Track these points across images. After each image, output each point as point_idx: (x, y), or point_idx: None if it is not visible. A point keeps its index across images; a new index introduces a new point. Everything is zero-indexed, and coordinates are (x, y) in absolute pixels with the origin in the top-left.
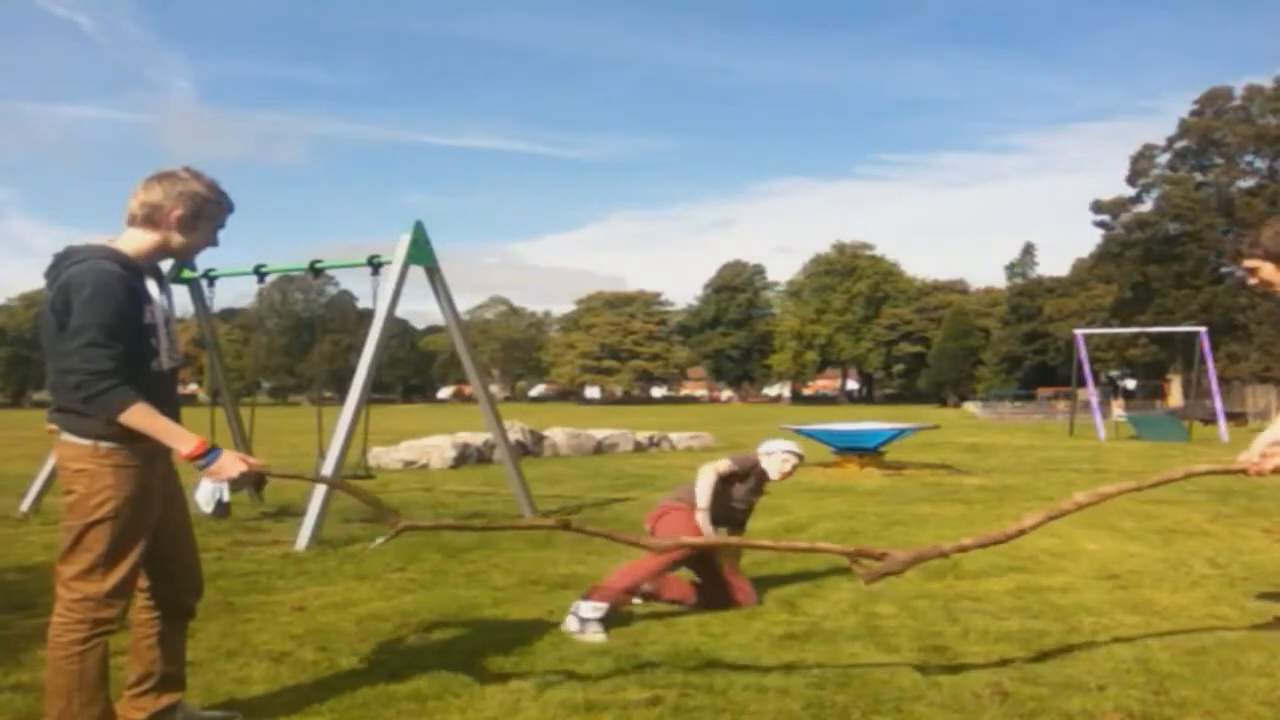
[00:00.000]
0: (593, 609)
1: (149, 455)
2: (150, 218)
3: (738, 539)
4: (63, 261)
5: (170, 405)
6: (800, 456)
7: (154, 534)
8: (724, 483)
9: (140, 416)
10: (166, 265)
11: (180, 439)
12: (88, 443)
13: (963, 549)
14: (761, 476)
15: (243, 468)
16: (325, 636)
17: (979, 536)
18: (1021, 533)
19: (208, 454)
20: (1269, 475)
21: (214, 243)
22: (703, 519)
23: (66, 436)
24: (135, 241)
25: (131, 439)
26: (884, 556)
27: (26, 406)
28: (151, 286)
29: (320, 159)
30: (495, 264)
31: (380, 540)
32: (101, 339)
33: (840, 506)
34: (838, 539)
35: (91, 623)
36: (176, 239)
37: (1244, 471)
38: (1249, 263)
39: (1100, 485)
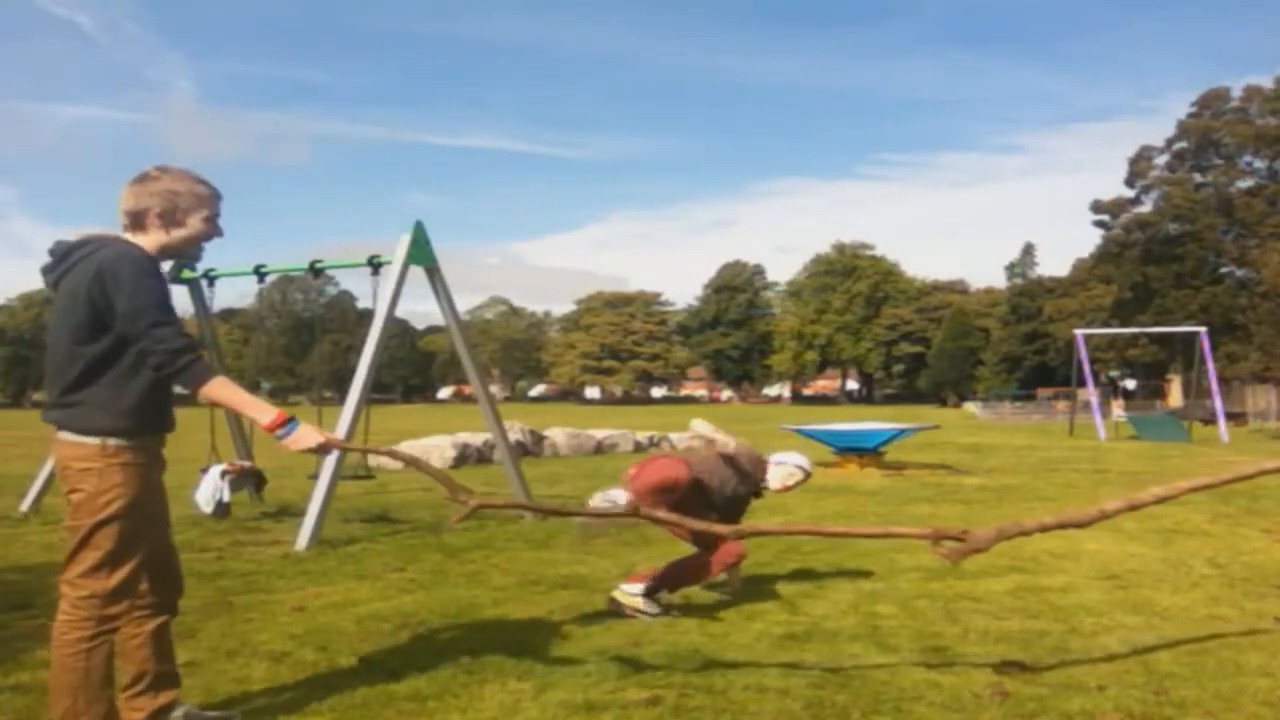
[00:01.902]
0: (637, 587)
1: (154, 452)
2: (136, 223)
3: (810, 526)
4: (74, 251)
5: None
6: (808, 474)
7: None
8: (722, 462)
9: (221, 388)
10: (165, 269)
11: (261, 410)
12: (94, 441)
13: (1044, 528)
14: (758, 480)
15: (319, 439)
16: (325, 636)
17: (1059, 515)
18: (1104, 515)
19: (287, 424)
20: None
21: (213, 234)
22: (731, 445)
23: (69, 435)
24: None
25: (139, 435)
26: (965, 535)
27: (26, 406)
28: None
29: (321, 159)
30: (496, 264)
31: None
32: (164, 316)
33: (840, 507)
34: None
35: (97, 620)
36: (165, 237)
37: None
38: None
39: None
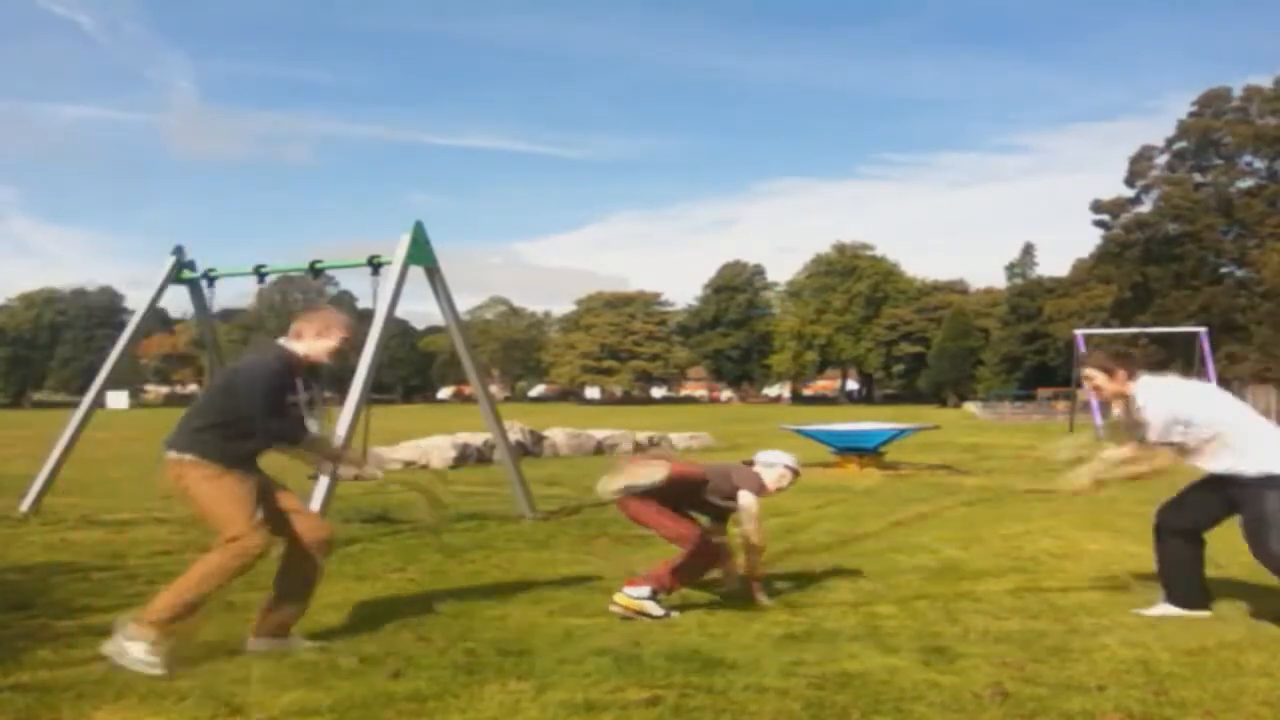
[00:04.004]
0: (642, 590)
1: None
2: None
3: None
4: None
5: None
6: (797, 473)
7: None
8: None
9: None
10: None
11: None
12: None
13: None
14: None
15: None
16: (325, 636)
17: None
18: None
19: None
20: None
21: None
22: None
23: None
24: None
25: None
26: None
27: (26, 406)
28: None
29: (322, 159)
30: (498, 264)
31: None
32: None
33: (840, 507)
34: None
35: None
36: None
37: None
38: (1086, 372)
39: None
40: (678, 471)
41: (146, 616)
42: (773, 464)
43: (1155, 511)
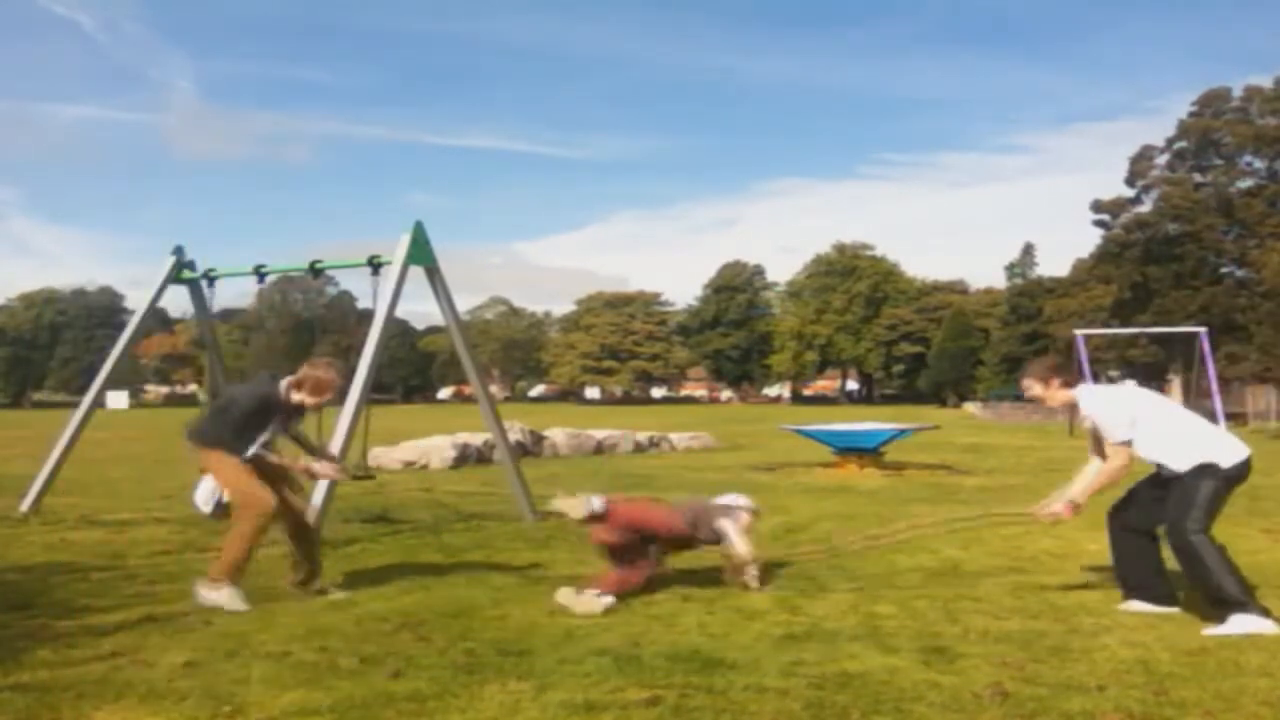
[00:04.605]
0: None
1: None
2: None
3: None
4: None
5: None
6: (755, 513)
7: None
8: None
9: None
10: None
11: None
12: None
13: None
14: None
15: None
16: (325, 636)
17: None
18: None
19: None
20: (1050, 521)
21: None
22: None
23: None
24: None
25: None
26: None
27: (26, 406)
28: None
29: (322, 159)
30: (498, 264)
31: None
32: None
33: (840, 507)
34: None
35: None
36: None
37: (1031, 515)
38: (1024, 382)
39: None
40: (638, 518)
41: (211, 575)
42: (733, 505)
43: (1107, 512)
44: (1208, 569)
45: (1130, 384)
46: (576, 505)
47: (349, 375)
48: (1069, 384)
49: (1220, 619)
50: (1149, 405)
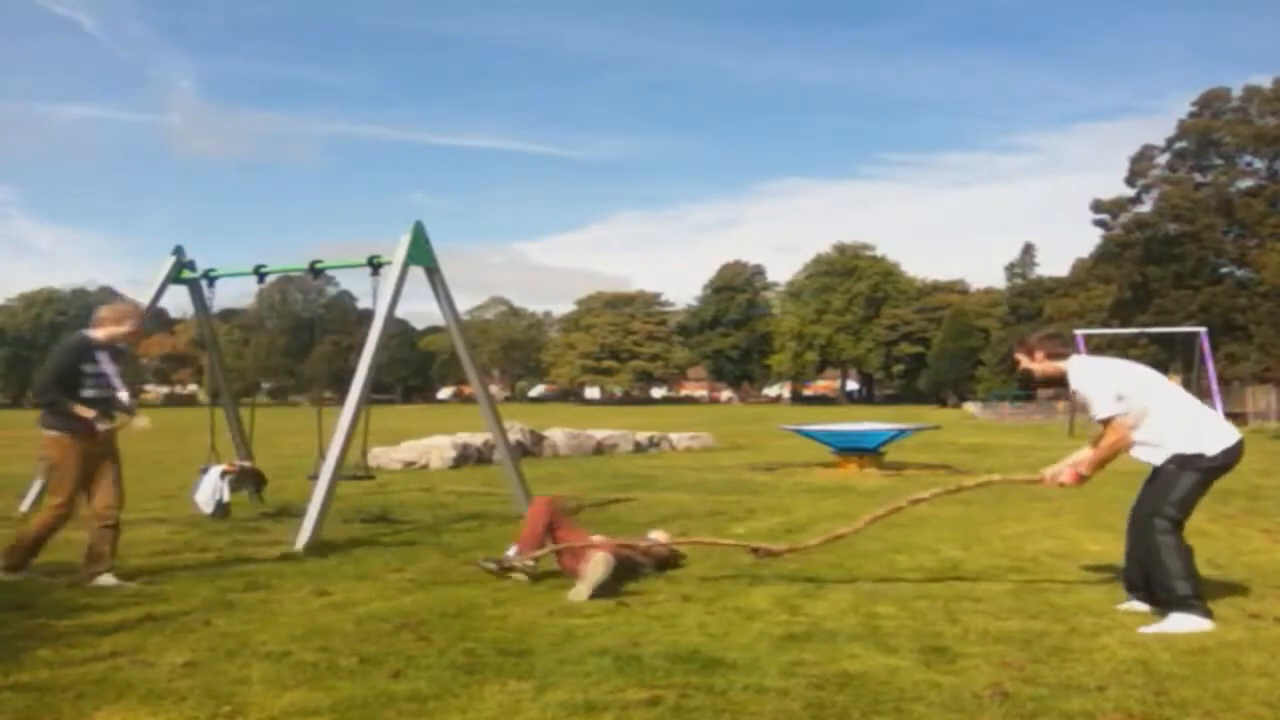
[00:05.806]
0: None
1: None
2: None
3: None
4: None
5: None
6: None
7: None
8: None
9: None
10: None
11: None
12: None
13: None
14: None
15: None
16: (325, 636)
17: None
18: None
19: None
20: (1056, 486)
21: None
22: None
23: None
24: None
25: None
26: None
27: (26, 406)
28: None
29: (323, 159)
30: (499, 264)
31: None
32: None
33: (840, 507)
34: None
35: None
36: None
37: (1040, 481)
38: (1017, 355)
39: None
40: (617, 553)
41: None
42: (655, 541)
43: (1130, 508)
44: (1165, 568)
45: (1126, 361)
46: (602, 565)
47: (348, 375)
48: (1056, 355)
49: (1163, 615)
50: (1141, 383)
